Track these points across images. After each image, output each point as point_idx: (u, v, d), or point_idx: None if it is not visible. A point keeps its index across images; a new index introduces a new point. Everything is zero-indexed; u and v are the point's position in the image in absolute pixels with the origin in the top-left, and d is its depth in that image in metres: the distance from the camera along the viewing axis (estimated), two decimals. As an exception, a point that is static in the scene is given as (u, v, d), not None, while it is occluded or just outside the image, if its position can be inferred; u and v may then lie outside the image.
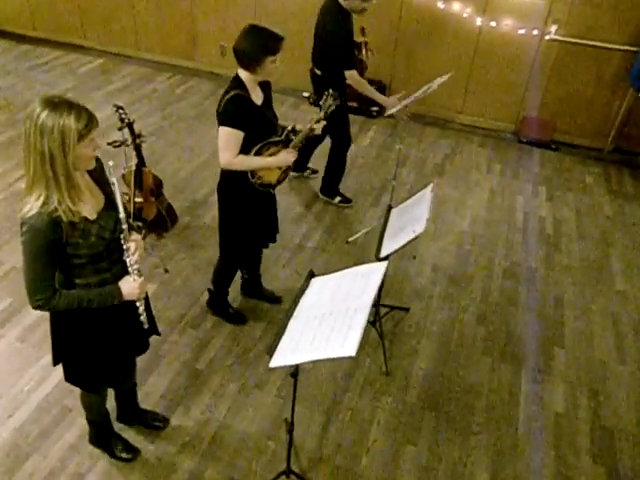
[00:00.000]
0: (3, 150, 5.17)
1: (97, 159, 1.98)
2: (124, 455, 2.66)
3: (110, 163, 1.93)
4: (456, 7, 5.53)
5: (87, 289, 2.00)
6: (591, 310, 3.85)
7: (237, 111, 2.70)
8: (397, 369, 3.28)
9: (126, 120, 3.51)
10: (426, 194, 2.99)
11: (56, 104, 1.75)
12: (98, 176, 2.02)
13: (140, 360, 2.59)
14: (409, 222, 2.85)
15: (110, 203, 2.00)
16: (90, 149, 1.84)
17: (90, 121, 1.80)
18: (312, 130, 2.99)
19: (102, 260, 2.00)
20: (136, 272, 2.04)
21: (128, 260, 2.01)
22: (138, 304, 2.12)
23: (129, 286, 2.04)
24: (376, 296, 3.30)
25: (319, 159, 4.87)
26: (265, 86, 2.90)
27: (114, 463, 2.67)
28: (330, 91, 3.06)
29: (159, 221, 4.03)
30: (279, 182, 3.05)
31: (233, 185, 2.95)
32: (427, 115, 6.28)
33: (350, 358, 1.89)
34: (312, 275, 2.12)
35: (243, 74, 2.74)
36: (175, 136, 5.56)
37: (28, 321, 3.39)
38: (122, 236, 1.98)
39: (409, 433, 2.94)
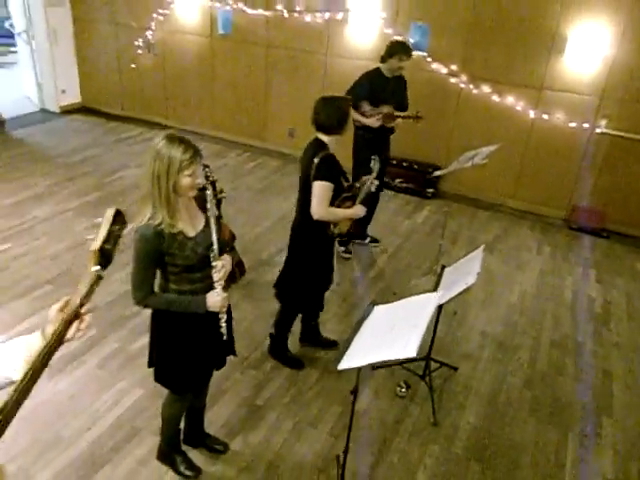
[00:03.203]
0: (90, 208, 5.78)
1: (203, 188, 2.36)
2: (187, 472, 2.88)
3: (208, 192, 2.32)
4: (510, 100, 5.98)
5: (178, 295, 2.36)
6: (640, 385, 3.91)
7: (329, 168, 3.17)
8: (444, 421, 3.42)
9: (210, 178, 3.97)
10: (478, 253, 3.25)
11: (172, 138, 2.20)
12: (201, 203, 2.41)
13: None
14: (461, 277, 3.10)
15: (208, 226, 2.37)
16: (190, 179, 2.23)
17: (194, 156, 2.21)
18: (369, 188, 3.42)
19: (194, 272, 2.35)
20: (220, 287, 2.37)
21: (214, 276, 2.36)
22: (220, 316, 2.44)
23: (213, 299, 2.38)
24: (427, 349, 3.54)
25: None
26: None
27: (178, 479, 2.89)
28: (376, 156, 3.50)
29: (229, 272, 4.40)
30: (348, 232, 3.48)
31: (310, 234, 3.35)
32: (479, 199, 6.61)
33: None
34: (374, 304, 2.39)
35: (327, 138, 3.22)
36: (243, 204, 6.06)
37: (107, 351, 3.76)
38: (212, 255, 2.34)
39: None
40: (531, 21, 5.68)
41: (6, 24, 10.50)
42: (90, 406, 3.31)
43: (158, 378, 2.61)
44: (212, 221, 2.33)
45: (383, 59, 4.78)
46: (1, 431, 1.34)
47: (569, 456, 3.29)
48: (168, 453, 2.92)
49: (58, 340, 1.44)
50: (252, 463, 3.02)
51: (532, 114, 5.96)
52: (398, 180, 6.68)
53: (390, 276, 4.99)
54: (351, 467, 3.01)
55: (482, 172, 6.37)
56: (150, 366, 2.61)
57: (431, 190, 6.66)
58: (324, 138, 3.23)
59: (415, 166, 6.66)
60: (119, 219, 1.56)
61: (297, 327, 3.92)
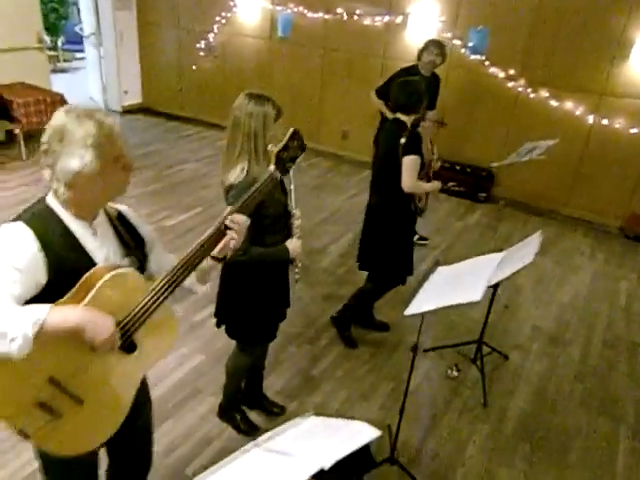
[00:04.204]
0: (150, 197, 6.09)
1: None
2: (246, 429, 3.03)
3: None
4: (569, 105, 5.98)
5: (265, 247, 2.50)
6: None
7: (416, 143, 3.38)
8: (494, 403, 3.47)
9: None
10: (535, 237, 3.31)
11: (258, 97, 2.40)
12: None
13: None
14: (519, 258, 3.16)
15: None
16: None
17: (280, 109, 2.42)
18: (435, 167, 3.70)
19: (276, 223, 2.51)
20: (298, 234, 2.52)
21: (295, 223, 2.50)
22: (296, 262, 2.57)
23: (293, 245, 2.53)
24: (479, 334, 3.60)
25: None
26: None
27: (237, 435, 3.04)
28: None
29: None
30: (424, 208, 3.76)
31: (392, 212, 3.53)
32: (532, 205, 6.58)
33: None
34: (438, 264, 2.50)
35: (406, 118, 3.44)
36: (297, 199, 6.20)
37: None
38: (291, 203, 2.49)
39: (504, 457, 3.09)
40: (595, 26, 5.67)
41: (76, 28, 11.15)
42: (154, 366, 3.48)
43: (231, 333, 2.77)
44: (291, 173, 2.47)
45: (418, 56, 5.07)
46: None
47: (621, 447, 3.28)
48: (228, 410, 3.08)
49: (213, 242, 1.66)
50: (307, 426, 3.14)
51: (591, 119, 5.93)
52: (451, 183, 6.73)
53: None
54: (401, 438, 3.09)
55: (536, 177, 6.38)
56: (219, 325, 2.78)
57: (483, 194, 6.69)
58: (403, 118, 3.44)
59: (468, 169, 6.71)
60: (297, 138, 1.82)
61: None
